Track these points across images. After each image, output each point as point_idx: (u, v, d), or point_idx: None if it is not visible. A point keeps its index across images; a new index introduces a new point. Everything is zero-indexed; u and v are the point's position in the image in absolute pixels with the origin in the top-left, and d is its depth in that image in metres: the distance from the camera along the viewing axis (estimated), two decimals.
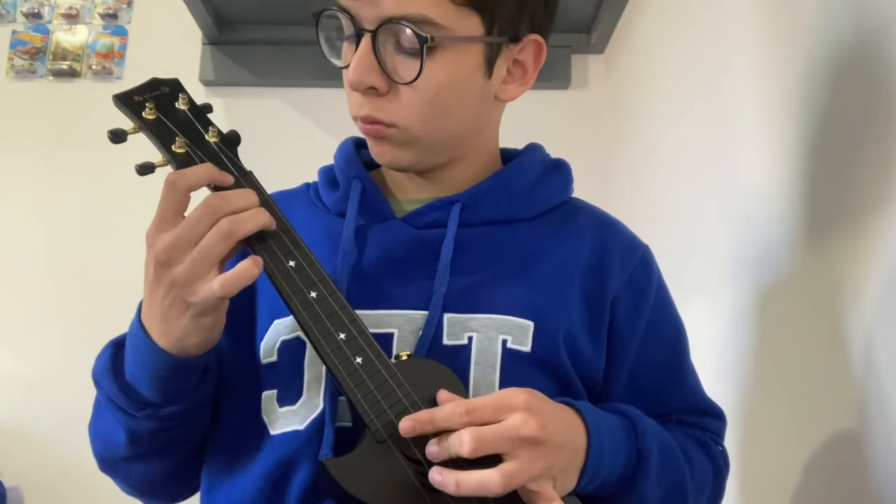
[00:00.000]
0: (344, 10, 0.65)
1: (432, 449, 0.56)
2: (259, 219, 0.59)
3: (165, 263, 0.57)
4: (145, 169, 0.62)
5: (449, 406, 0.57)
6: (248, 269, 0.57)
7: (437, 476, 0.55)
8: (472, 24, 0.65)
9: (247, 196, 0.60)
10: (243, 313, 0.62)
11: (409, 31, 0.62)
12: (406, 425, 0.56)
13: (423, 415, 0.57)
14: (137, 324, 0.62)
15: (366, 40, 0.64)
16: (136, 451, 0.65)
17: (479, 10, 0.65)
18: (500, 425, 0.56)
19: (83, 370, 0.85)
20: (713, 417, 0.79)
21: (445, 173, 0.74)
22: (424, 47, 0.62)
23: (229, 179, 0.62)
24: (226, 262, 0.59)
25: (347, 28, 0.66)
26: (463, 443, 0.54)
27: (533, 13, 0.69)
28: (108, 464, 0.69)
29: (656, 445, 0.67)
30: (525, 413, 0.57)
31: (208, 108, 0.67)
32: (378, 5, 0.63)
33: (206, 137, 0.64)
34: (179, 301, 0.58)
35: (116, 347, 0.66)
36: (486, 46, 0.67)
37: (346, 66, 0.67)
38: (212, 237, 0.57)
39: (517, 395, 0.58)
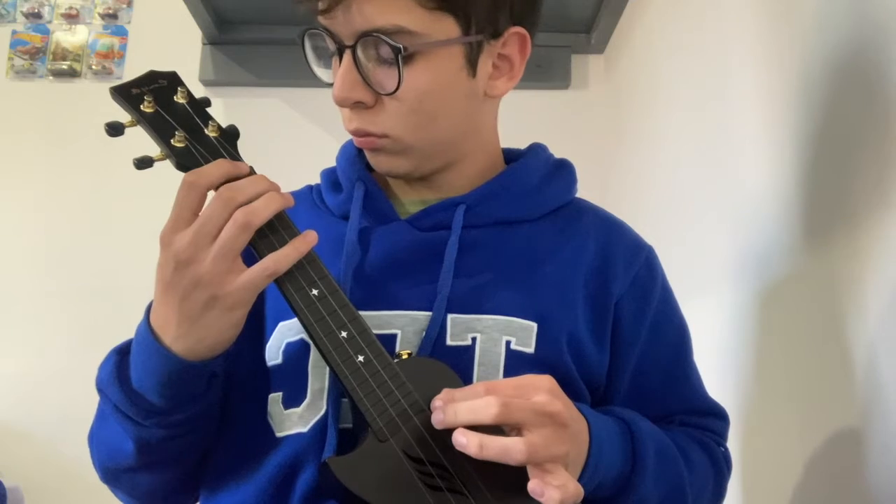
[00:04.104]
0: (325, 28, 0.66)
1: (440, 417, 0.56)
2: (273, 205, 0.59)
3: (186, 262, 0.56)
4: (143, 163, 0.61)
5: (469, 386, 0.57)
6: (307, 239, 0.58)
7: (461, 437, 0.54)
8: (447, 27, 0.64)
9: (258, 183, 0.60)
10: (252, 315, 0.62)
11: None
12: (436, 404, 0.57)
13: (444, 395, 0.57)
14: (146, 329, 0.60)
15: (346, 56, 0.64)
16: (143, 461, 0.64)
17: (453, 12, 0.64)
18: (526, 399, 0.56)
19: (84, 370, 0.85)
20: (716, 418, 0.79)
21: (446, 176, 0.74)
22: (400, 57, 0.62)
23: (245, 170, 0.61)
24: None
25: (331, 45, 0.67)
26: (489, 406, 0.54)
27: (511, 5, 0.68)
28: (113, 474, 0.67)
29: (653, 447, 0.67)
30: (549, 394, 0.57)
31: (207, 101, 0.67)
32: (351, 21, 0.63)
33: (206, 131, 0.64)
34: (205, 298, 0.57)
35: (120, 355, 0.64)
36: (465, 46, 0.66)
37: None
38: (231, 230, 0.56)
39: (540, 378, 0.58)
